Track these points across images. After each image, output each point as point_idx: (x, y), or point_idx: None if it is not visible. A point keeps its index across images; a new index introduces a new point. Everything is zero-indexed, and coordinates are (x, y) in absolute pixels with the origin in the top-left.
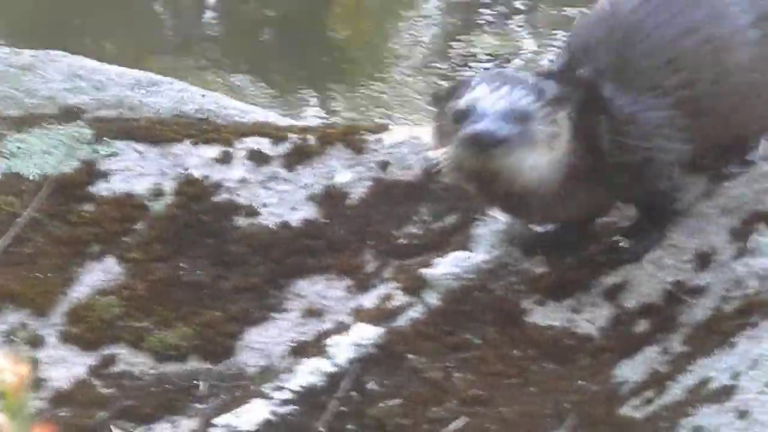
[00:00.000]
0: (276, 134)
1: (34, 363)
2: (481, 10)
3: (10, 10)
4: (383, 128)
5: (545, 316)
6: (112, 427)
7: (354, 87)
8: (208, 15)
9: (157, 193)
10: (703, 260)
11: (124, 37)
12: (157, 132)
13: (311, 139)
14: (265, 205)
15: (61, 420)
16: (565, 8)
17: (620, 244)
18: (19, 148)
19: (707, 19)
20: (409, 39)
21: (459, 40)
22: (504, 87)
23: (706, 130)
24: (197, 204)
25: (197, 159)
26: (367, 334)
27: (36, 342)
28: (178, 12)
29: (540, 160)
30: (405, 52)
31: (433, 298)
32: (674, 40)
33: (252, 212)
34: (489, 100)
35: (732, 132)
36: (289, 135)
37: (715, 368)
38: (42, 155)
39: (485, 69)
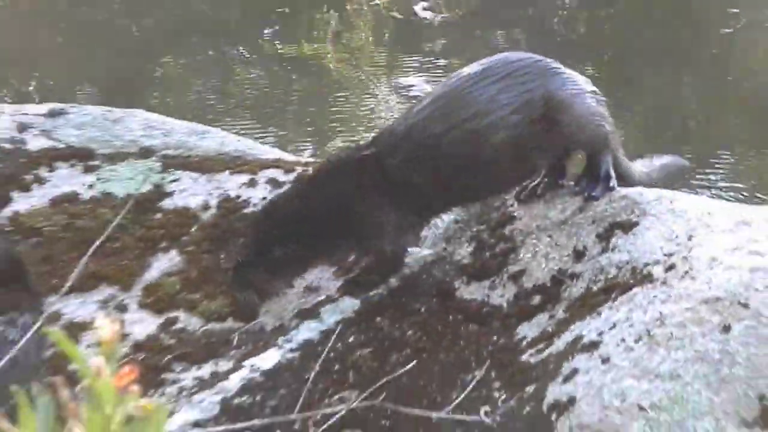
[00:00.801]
0: (286, 167)
1: (121, 322)
2: None
3: (99, 73)
4: None
5: (470, 292)
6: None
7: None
8: (246, 88)
9: (206, 207)
10: (578, 255)
11: (182, 95)
12: (206, 165)
13: (310, 170)
14: None
15: (139, 362)
16: None
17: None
18: (111, 175)
19: (470, 116)
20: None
21: None
22: None
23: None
24: (232, 214)
25: (233, 183)
26: (349, 304)
27: (122, 308)
28: (220, 86)
29: None
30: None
31: (395, 280)
32: (439, 134)
33: None
34: None
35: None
36: (295, 167)
37: (587, 329)
38: (127, 180)
39: None
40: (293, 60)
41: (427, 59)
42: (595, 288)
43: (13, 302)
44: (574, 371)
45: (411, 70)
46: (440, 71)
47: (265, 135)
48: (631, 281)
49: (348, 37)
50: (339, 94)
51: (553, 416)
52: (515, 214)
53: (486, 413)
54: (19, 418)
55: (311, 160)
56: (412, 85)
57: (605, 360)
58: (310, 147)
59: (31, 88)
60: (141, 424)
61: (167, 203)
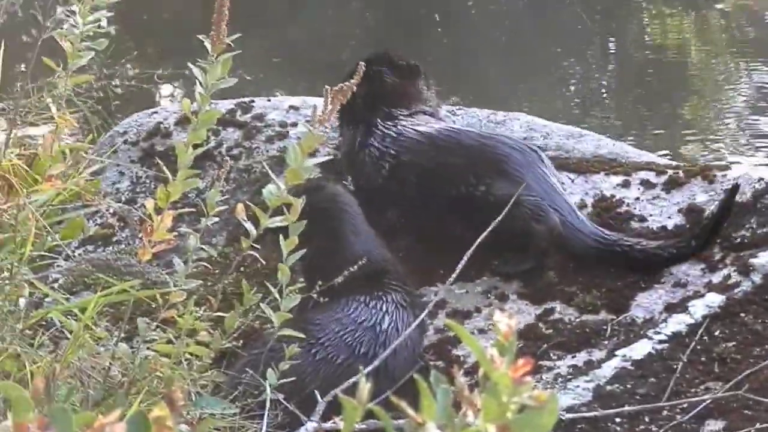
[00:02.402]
0: (658, 169)
1: (502, 312)
2: None
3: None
4: (727, 167)
5: None
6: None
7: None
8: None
9: (582, 205)
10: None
11: (560, 100)
12: (583, 166)
13: (680, 173)
14: (651, 215)
15: (518, 350)
16: None
17: None
18: None
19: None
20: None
21: None
22: None
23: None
24: (606, 213)
25: (608, 184)
26: (714, 299)
27: (503, 298)
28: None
29: None
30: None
31: (757, 278)
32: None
33: (642, 219)
34: None
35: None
36: (667, 170)
37: None
38: None
39: None
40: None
41: None
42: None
43: (379, 287)
44: None
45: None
46: None
47: (635, 137)
48: None
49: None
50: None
51: None
52: None
53: None
54: (421, 404)
55: (682, 163)
56: None
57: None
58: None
59: None
60: (534, 413)
61: None
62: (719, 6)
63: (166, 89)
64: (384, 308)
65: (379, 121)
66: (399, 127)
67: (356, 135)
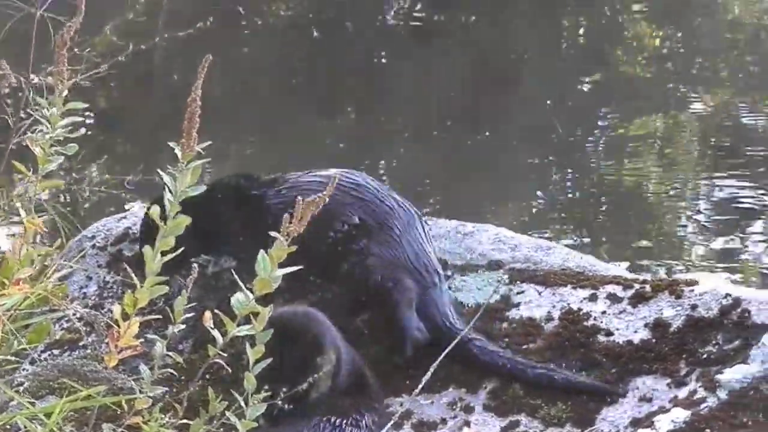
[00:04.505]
0: (625, 283)
1: (467, 423)
2: None
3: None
4: (694, 282)
5: None
6: None
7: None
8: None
9: (549, 318)
10: None
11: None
12: (551, 279)
13: (647, 288)
14: (617, 329)
15: None
16: None
17: None
18: (462, 284)
19: None
20: None
21: None
22: None
23: None
24: (574, 326)
25: (575, 297)
26: (680, 415)
27: (468, 410)
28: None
29: None
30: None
31: (723, 394)
32: None
33: (609, 333)
34: None
35: None
36: (634, 284)
37: None
38: (476, 291)
39: None
40: None
41: None
42: None
43: (355, 405)
44: None
45: None
46: None
47: (600, 251)
48: None
49: None
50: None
51: None
52: None
53: None
54: None
55: (649, 277)
56: None
57: None
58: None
59: None
60: None
61: (513, 313)
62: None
63: (134, 194)
64: None
65: None
66: None
67: None
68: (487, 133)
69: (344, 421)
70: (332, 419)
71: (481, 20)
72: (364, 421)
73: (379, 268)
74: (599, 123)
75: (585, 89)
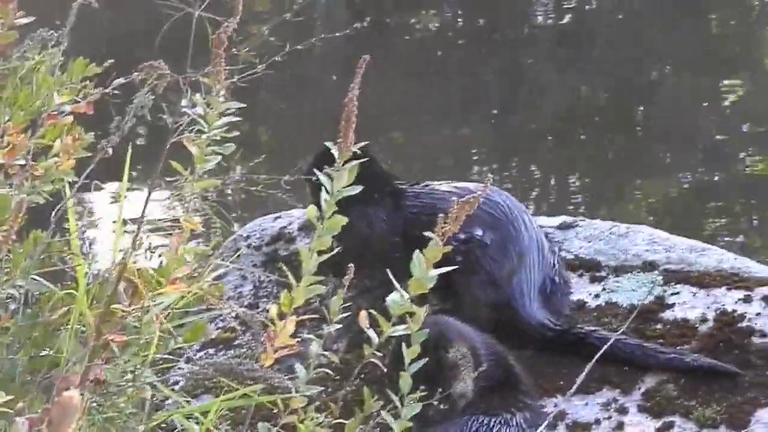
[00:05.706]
0: None
1: (621, 424)
2: None
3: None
4: None
5: None
6: None
7: None
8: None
9: (703, 320)
10: None
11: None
12: (705, 280)
13: None
14: None
15: None
16: None
17: None
18: (616, 286)
19: None
20: None
21: None
22: None
23: None
24: (728, 327)
25: (730, 299)
26: None
27: (623, 411)
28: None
29: None
30: None
31: None
32: None
33: (764, 334)
34: None
35: None
36: None
37: None
38: (630, 292)
39: None
40: None
41: None
42: None
43: (505, 404)
44: None
45: None
46: None
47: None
48: None
49: None
50: None
51: None
52: None
53: None
54: None
55: None
56: None
57: None
58: None
59: None
60: None
61: (668, 315)
62: None
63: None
64: None
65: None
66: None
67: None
68: (640, 132)
69: (494, 420)
70: (481, 418)
71: (624, 21)
72: (515, 420)
73: (487, 285)
74: (743, 126)
75: (728, 90)
